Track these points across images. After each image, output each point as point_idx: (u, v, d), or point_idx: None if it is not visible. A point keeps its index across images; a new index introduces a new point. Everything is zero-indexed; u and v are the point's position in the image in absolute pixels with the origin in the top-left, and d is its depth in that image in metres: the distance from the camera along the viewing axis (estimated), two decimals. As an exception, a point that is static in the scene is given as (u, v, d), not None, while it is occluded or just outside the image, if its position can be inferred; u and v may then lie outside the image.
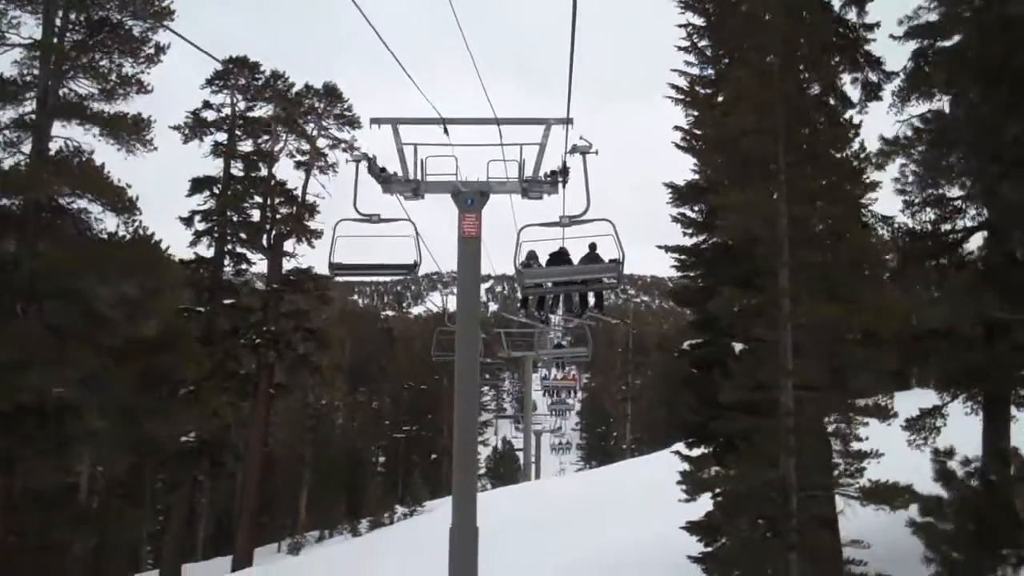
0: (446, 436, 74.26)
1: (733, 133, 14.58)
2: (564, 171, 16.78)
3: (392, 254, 16.87)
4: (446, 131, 17.14)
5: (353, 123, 44.61)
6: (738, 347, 17.49)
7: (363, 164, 17.47)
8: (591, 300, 20.51)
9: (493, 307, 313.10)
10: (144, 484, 51.87)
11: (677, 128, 20.69)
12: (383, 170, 18.01)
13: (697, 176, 20.56)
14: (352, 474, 71.41)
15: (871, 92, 19.60)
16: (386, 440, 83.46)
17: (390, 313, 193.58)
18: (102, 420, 21.51)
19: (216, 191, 42.93)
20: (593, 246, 17.90)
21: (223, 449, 42.31)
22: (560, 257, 18.08)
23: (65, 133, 23.89)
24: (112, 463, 33.92)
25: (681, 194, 20.42)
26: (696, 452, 19.63)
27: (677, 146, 20.54)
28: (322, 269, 43.58)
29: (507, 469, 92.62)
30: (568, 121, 16.16)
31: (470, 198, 17.42)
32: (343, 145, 44.77)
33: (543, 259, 18.17)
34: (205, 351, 40.79)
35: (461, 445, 16.65)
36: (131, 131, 24.51)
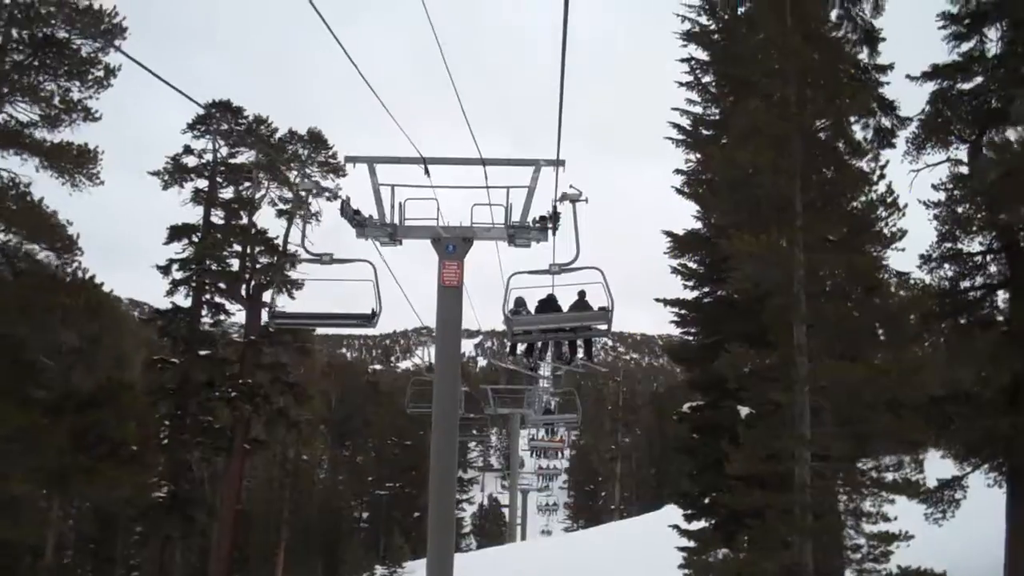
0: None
1: (745, 171, 13.16)
2: (554, 216, 15.56)
3: (358, 300, 15.70)
4: (427, 171, 16.07)
5: (338, 171, 43.22)
6: (744, 411, 15.95)
7: (336, 203, 16.72)
8: (580, 349, 20.04)
9: (482, 362, 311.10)
10: (116, 539, 49.93)
11: (678, 172, 19.19)
12: (357, 212, 16.72)
13: (699, 224, 19.15)
14: (331, 532, 68.62)
15: (884, 138, 18.40)
16: (368, 496, 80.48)
17: (377, 367, 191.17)
18: (27, 484, 19.42)
19: (195, 239, 41.44)
20: (582, 293, 17.32)
21: (195, 505, 40.41)
22: (549, 304, 17.66)
23: (2, 164, 21.81)
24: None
25: (681, 243, 18.92)
26: (696, 525, 18.01)
27: (678, 191, 19.04)
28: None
29: (492, 527, 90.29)
30: (559, 163, 14.92)
31: (451, 244, 16.27)
32: (327, 194, 43.34)
33: (532, 306, 17.55)
34: (176, 403, 39.42)
35: (437, 507, 15.64)
36: (75, 163, 22.26)
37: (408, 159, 15.83)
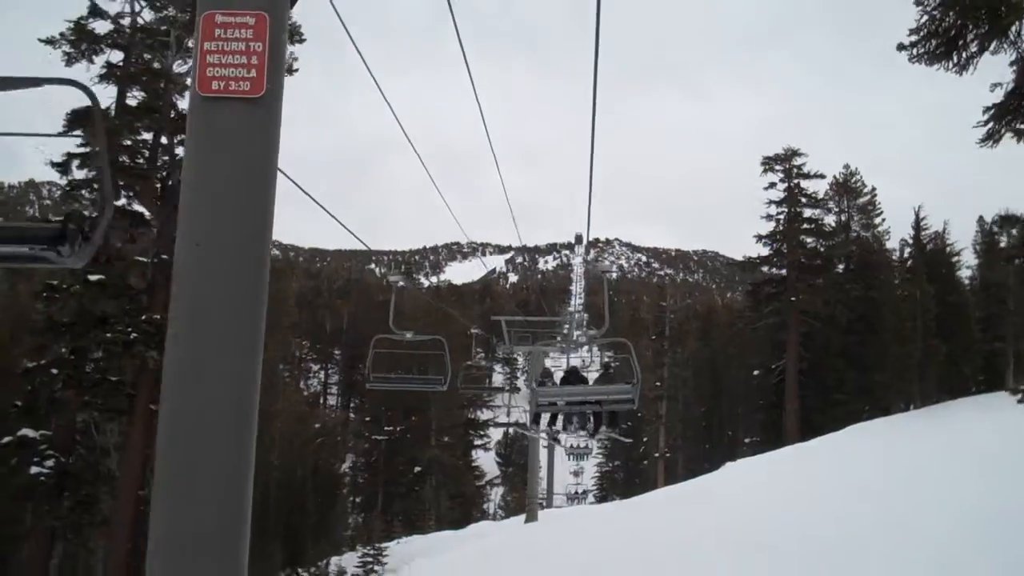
0: (433, 445, 60.69)
1: None
2: None
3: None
4: None
5: (292, 36, 31.67)
6: None
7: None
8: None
9: (513, 278, 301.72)
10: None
11: None
12: None
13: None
14: (313, 499, 55.77)
15: None
16: (368, 443, 67.94)
17: (400, 283, 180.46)
18: None
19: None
20: (607, 366, 20.68)
21: (94, 483, 29.69)
22: (573, 375, 19.18)
23: None
24: None
25: None
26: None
27: None
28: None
29: (518, 458, 78.46)
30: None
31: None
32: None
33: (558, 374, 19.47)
34: (72, 345, 28.70)
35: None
36: None
37: None
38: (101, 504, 29.72)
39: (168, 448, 4.88)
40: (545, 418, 21.40)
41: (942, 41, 9.20)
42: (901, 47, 9.84)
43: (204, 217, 5.01)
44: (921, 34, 9.05)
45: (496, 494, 78.54)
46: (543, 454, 42.05)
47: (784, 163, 57.81)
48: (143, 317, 28.01)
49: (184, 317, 4.96)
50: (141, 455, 28.19)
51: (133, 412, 28.33)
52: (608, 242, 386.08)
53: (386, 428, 61.98)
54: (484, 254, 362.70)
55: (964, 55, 9.46)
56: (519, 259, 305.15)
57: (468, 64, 9.69)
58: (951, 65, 10.10)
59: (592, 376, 21.56)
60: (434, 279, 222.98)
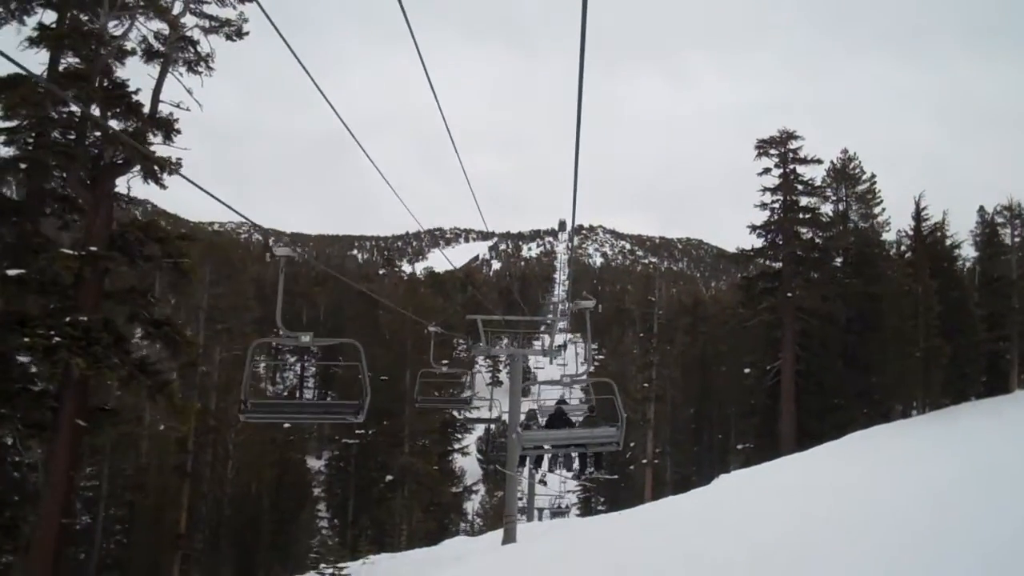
0: (407, 452, 56.52)
1: None
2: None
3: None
4: None
5: (240, -7, 28.04)
6: None
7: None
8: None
9: (496, 265, 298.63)
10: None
11: None
12: None
13: None
14: (273, 513, 51.68)
15: None
16: (339, 448, 62.00)
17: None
18: None
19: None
20: (592, 408, 19.80)
21: (19, 507, 26.34)
22: (558, 418, 19.01)
23: None
24: None
25: None
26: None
27: None
28: (181, 214, 27.61)
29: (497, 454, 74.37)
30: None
31: None
32: (226, 29, 28.35)
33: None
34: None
35: None
36: None
37: None
38: (25, 527, 26.28)
39: None
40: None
41: None
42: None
43: None
44: None
45: (476, 498, 74.93)
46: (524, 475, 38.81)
47: (779, 147, 54.48)
48: (67, 318, 24.47)
49: None
50: (65, 477, 24.69)
51: (57, 427, 24.76)
52: (592, 229, 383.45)
53: (356, 432, 57.75)
54: (467, 240, 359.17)
55: None
56: (502, 246, 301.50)
57: (419, 47, 8.99)
58: None
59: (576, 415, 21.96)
60: (419, 266, 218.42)
